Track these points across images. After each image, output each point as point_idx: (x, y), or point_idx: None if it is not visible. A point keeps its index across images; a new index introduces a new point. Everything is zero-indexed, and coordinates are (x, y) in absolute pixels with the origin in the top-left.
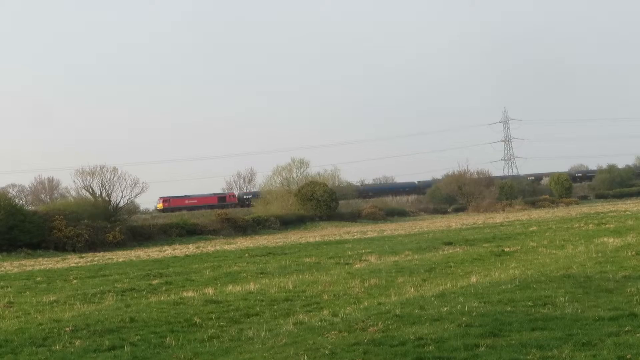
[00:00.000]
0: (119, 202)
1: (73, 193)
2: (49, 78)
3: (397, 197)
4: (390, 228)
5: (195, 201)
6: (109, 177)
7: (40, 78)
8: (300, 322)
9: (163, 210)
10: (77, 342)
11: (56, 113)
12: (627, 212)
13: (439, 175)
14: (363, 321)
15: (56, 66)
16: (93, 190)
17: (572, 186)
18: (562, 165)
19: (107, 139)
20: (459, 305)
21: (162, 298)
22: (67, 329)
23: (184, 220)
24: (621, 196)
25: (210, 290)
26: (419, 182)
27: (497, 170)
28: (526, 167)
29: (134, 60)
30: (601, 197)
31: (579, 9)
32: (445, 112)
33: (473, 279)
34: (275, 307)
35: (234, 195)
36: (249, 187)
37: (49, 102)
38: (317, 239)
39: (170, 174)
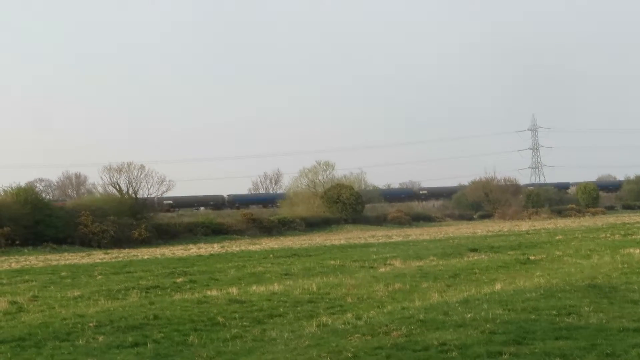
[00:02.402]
0: (145, 199)
1: (100, 189)
2: (71, 71)
3: (424, 202)
4: (415, 233)
5: None
6: (136, 174)
7: (62, 71)
8: (324, 324)
9: None
10: (101, 338)
11: (83, 108)
12: None
13: (465, 181)
14: (386, 325)
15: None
16: (120, 187)
17: (599, 196)
18: (589, 174)
19: (133, 137)
20: (483, 312)
21: (186, 296)
22: (91, 324)
23: (209, 219)
24: None
25: (234, 290)
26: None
27: (524, 178)
28: (553, 176)
29: (164, 59)
30: (628, 207)
31: (614, 17)
32: (473, 118)
33: (497, 286)
34: (298, 308)
35: None
36: (275, 188)
37: (76, 97)
38: (342, 241)
39: (196, 174)
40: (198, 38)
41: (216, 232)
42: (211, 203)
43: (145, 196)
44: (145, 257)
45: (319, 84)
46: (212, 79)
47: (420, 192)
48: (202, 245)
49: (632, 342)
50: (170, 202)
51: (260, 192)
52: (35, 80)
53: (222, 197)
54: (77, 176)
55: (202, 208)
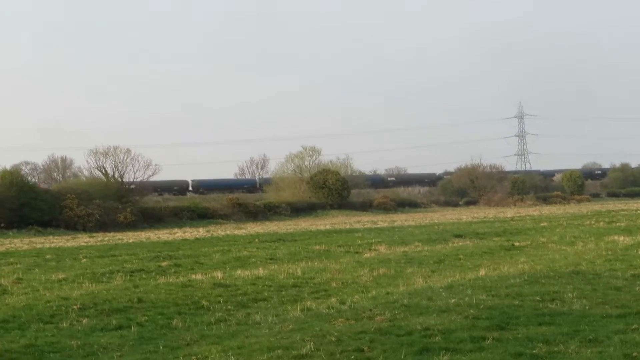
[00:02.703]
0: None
1: (86, 173)
2: (62, 55)
3: (409, 188)
4: (401, 219)
5: None
6: (122, 158)
7: (52, 54)
8: (308, 308)
9: None
10: (85, 321)
11: (68, 92)
12: (638, 211)
13: (451, 168)
14: (370, 310)
15: (71, 43)
16: (106, 171)
17: (584, 183)
18: (575, 162)
19: (120, 121)
20: (467, 298)
21: (170, 280)
22: (75, 307)
23: (195, 203)
24: (633, 195)
25: (219, 274)
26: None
27: (510, 165)
28: (539, 163)
29: (149, 42)
30: (613, 195)
31: (599, 4)
32: (459, 106)
33: (482, 272)
34: (283, 292)
35: None
36: (261, 173)
37: (62, 80)
38: (327, 227)
39: (182, 158)
40: (187, 24)
41: (202, 216)
42: (175, 188)
43: (131, 180)
44: (131, 240)
45: (308, 71)
46: (201, 65)
47: (389, 179)
48: (187, 229)
49: (614, 328)
50: (133, 187)
51: (247, 177)
52: (22, 64)
53: (186, 182)
54: (63, 159)
55: (165, 194)
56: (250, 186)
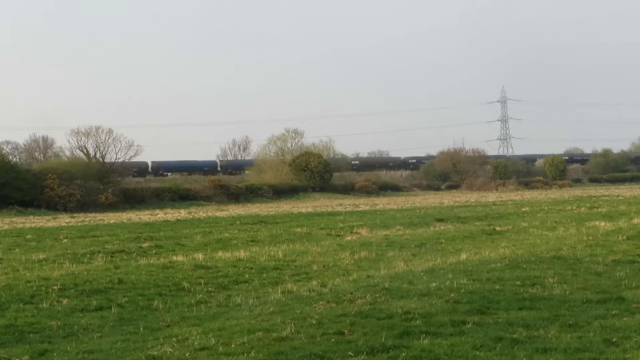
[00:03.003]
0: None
1: (67, 153)
2: (40, 33)
3: (391, 171)
4: (382, 202)
5: None
6: (104, 138)
7: (29, 32)
8: (289, 291)
9: None
10: (65, 301)
11: (49, 71)
12: (619, 197)
13: (434, 151)
14: (351, 293)
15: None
16: (87, 151)
17: (566, 169)
18: (557, 147)
19: (102, 101)
20: (448, 282)
21: (151, 261)
22: (55, 287)
23: (177, 185)
24: (614, 181)
25: (200, 256)
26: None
27: (492, 149)
28: (522, 148)
29: (131, 24)
30: (595, 181)
31: None
32: (442, 90)
33: (463, 256)
34: (264, 275)
35: None
36: (243, 155)
37: (42, 58)
38: (309, 209)
39: (165, 139)
40: (166, 4)
41: (183, 197)
42: (134, 170)
43: (113, 160)
44: (112, 221)
45: (291, 53)
46: (180, 47)
47: (352, 163)
48: (169, 210)
49: (594, 314)
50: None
51: (229, 158)
52: (3, 45)
53: (145, 163)
54: (45, 139)
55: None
56: (210, 168)
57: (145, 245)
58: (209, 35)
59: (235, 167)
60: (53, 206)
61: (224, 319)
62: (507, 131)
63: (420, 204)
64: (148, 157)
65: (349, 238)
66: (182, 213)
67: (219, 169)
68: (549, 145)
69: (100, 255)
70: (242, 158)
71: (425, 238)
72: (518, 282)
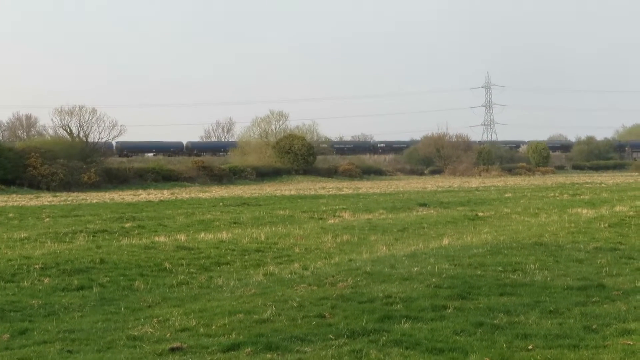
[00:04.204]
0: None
1: (50, 131)
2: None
3: (375, 155)
4: (366, 186)
5: None
6: (87, 117)
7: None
8: (271, 273)
9: None
10: (46, 280)
11: (33, 50)
12: (602, 185)
13: (417, 136)
14: (333, 276)
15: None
16: (71, 130)
17: (549, 155)
18: (541, 134)
19: (86, 80)
20: (430, 266)
21: (133, 241)
22: (37, 266)
23: (160, 165)
24: (597, 168)
25: (182, 237)
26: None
27: (476, 135)
28: (505, 134)
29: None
30: (578, 168)
31: None
32: (427, 74)
33: (445, 241)
34: (246, 257)
35: None
36: (227, 136)
37: (29, 38)
38: (292, 192)
39: (149, 119)
40: None
41: (166, 178)
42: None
43: (96, 140)
44: (94, 201)
45: (277, 36)
46: (166, 27)
47: (336, 147)
48: (151, 191)
49: (575, 300)
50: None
51: (213, 139)
52: None
53: (110, 144)
54: (28, 117)
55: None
56: (177, 149)
57: (127, 225)
58: (195, 17)
59: (201, 149)
60: (35, 185)
61: (206, 301)
62: (491, 117)
63: (403, 189)
64: (181, 137)
65: (331, 221)
66: (165, 194)
67: (184, 149)
68: (533, 132)
69: (82, 234)
70: (226, 139)
71: (408, 222)
72: (499, 268)
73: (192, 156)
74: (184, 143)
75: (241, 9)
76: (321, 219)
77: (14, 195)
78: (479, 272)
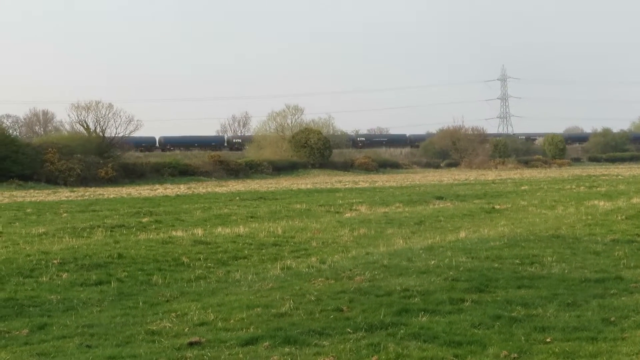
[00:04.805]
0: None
1: (67, 127)
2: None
3: (391, 149)
4: (382, 179)
5: None
6: (104, 112)
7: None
8: (288, 267)
9: None
10: (65, 275)
11: (53, 45)
12: (619, 177)
13: (433, 129)
14: (350, 270)
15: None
16: (87, 125)
17: (565, 148)
18: (557, 126)
19: (104, 76)
20: (447, 260)
21: (151, 236)
22: (55, 261)
23: (176, 160)
24: (614, 160)
25: (199, 231)
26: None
27: (492, 127)
28: (521, 126)
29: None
30: (594, 160)
31: None
32: (442, 67)
33: (462, 234)
34: (263, 251)
35: None
36: (243, 130)
37: (47, 34)
38: (308, 186)
39: (165, 114)
40: None
41: (183, 173)
42: (142, 144)
43: (113, 135)
44: (111, 196)
45: (292, 30)
46: (182, 22)
47: (358, 139)
48: (168, 185)
49: (593, 293)
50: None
51: (229, 134)
52: (5, 19)
53: (153, 138)
54: (45, 113)
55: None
56: (218, 143)
57: (144, 220)
58: (211, 11)
59: (241, 143)
60: (53, 180)
61: (223, 295)
62: (507, 109)
63: (419, 182)
64: (155, 132)
65: (348, 215)
66: (181, 188)
67: (225, 144)
68: (549, 124)
69: (99, 229)
70: (242, 133)
71: (425, 216)
72: (517, 261)
73: (233, 149)
74: (226, 137)
75: (259, 5)
76: (338, 212)
77: (32, 191)
78: (496, 265)
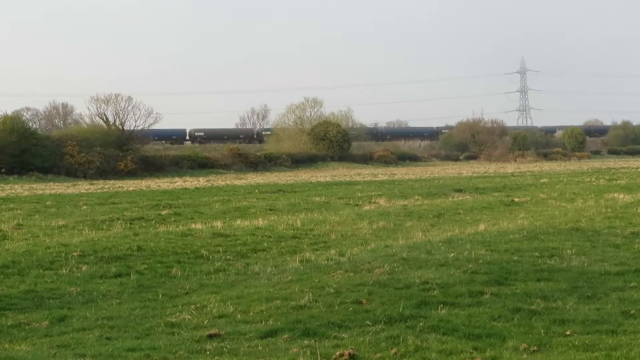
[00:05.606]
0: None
1: (87, 120)
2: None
3: (410, 141)
4: (401, 172)
5: None
6: (123, 105)
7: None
8: (307, 260)
9: None
10: (84, 268)
11: (72, 39)
12: (639, 169)
13: (452, 122)
14: (369, 262)
15: None
16: (107, 118)
17: (585, 140)
18: (576, 118)
19: (123, 69)
20: (466, 252)
21: (170, 229)
22: (75, 253)
23: (195, 153)
24: (634, 153)
25: (218, 224)
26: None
27: (511, 120)
28: (541, 119)
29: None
30: (614, 153)
31: None
32: (462, 59)
33: (481, 227)
34: (282, 244)
35: None
36: (262, 123)
37: (67, 28)
38: (327, 178)
39: (186, 107)
40: None
41: (202, 165)
42: (173, 137)
43: (132, 128)
44: (131, 188)
45: (311, 23)
46: (202, 16)
47: (385, 132)
48: (187, 178)
49: (612, 286)
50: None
51: (247, 126)
52: (24, 11)
53: (184, 130)
54: (64, 106)
55: (163, 142)
56: (247, 136)
57: (164, 212)
58: (229, 3)
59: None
60: (72, 173)
61: (243, 287)
62: (526, 102)
63: (438, 174)
64: (188, 125)
65: (367, 208)
66: (200, 181)
67: (255, 136)
68: (568, 117)
69: (119, 222)
70: (262, 126)
71: (444, 208)
72: (536, 254)
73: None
74: (255, 130)
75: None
76: (357, 205)
77: (52, 184)
78: (515, 258)
